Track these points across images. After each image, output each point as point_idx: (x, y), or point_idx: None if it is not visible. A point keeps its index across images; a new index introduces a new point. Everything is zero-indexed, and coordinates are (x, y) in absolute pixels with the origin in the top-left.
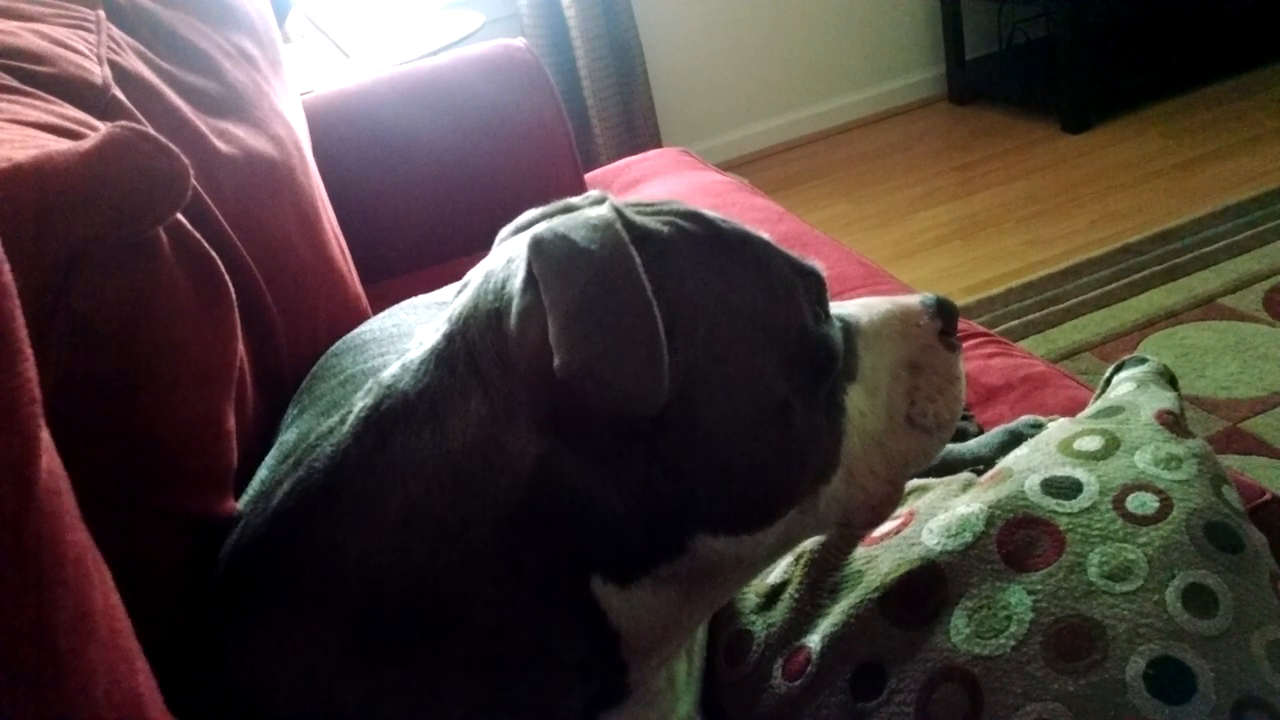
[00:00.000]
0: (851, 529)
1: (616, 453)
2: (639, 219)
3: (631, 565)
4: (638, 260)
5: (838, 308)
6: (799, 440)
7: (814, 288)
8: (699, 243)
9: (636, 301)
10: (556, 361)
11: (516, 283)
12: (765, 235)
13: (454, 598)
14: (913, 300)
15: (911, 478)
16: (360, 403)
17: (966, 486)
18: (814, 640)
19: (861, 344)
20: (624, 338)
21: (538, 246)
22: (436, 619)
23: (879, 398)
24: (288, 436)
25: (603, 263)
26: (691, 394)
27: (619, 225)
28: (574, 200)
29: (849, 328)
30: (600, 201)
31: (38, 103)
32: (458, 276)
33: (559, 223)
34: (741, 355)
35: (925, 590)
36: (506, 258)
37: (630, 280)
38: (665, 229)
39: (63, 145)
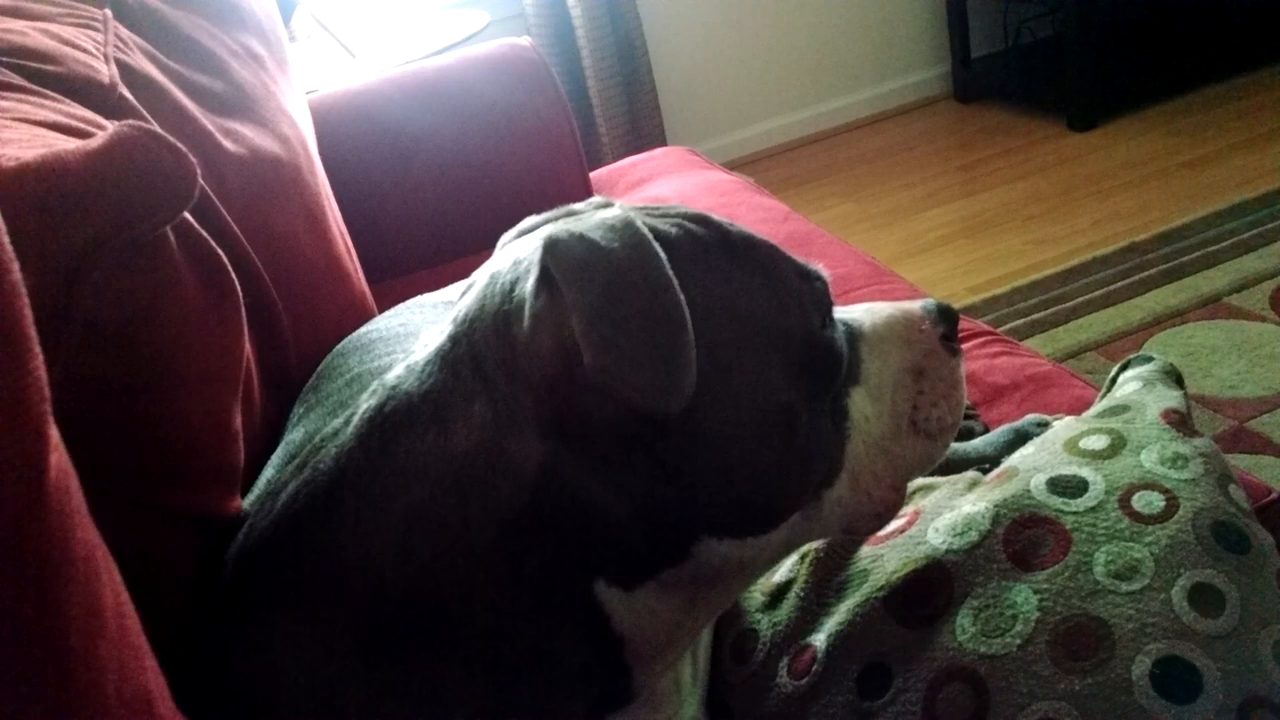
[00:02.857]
0: (855, 534)
1: (620, 457)
2: (648, 220)
3: (635, 569)
4: (663, 257)
5: (841, 312)
6: (803, 444)
7: (819, 292)
8: (706, 246)
9: (665, 299)
10: (586, 360)
11: (529, 285)
12: (771, 240)
13: (455, 600)
14: (914, 305)
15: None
16: (365, 404)
17: (972, 485)
18: (820, 639)
19: (865, 349)
20: (653, 336)
21: (553, 248)
22: (438, 621)
23: (883, 403)
24: (294, 436)
25: (625, 261)
26: (695, 399)
27: (640, 224)
28: (576, 206)
29: (853, 332)
30: (604, 206)
31: (46, 101)
32: (463, 275)
33: (573, 225)
34: (746, 360)
35: (931, 589)
36: (513, 259)
37: (658, 277)
38: (673, 231)
39: (70, 144)
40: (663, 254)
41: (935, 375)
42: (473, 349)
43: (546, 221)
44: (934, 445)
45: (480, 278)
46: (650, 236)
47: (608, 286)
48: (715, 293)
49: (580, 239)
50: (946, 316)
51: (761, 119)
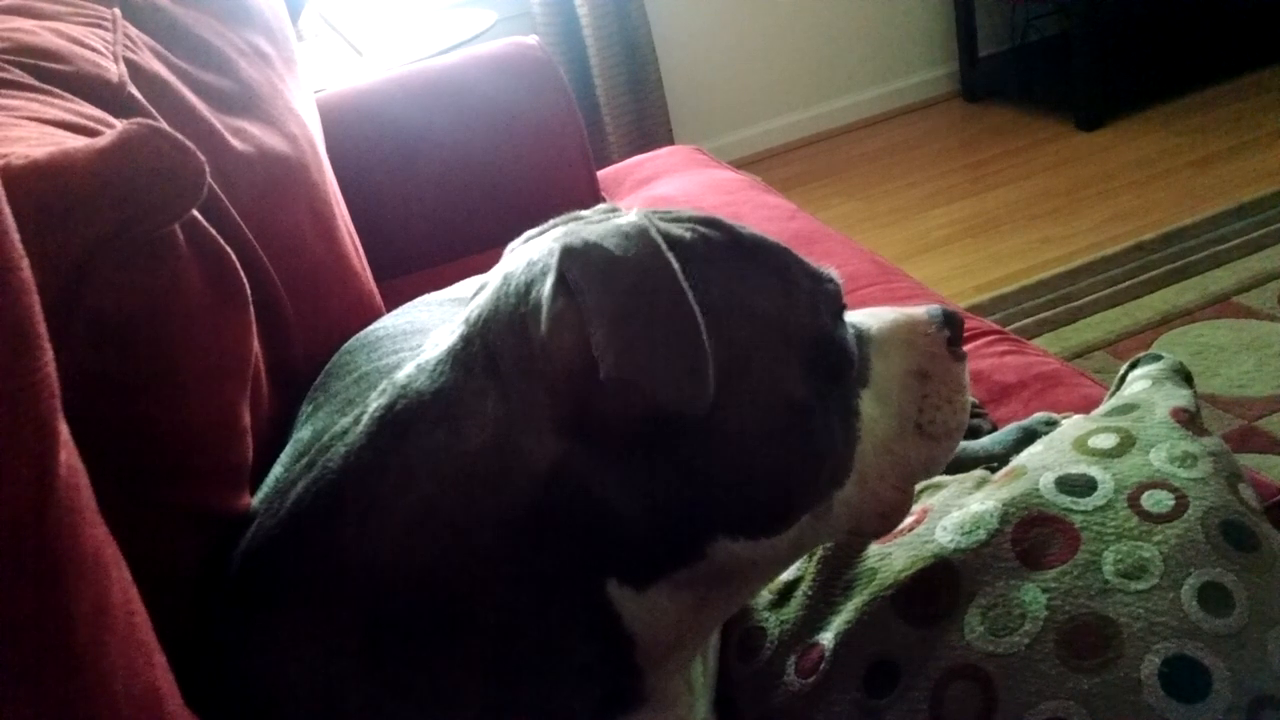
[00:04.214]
0: (862, 536)
1: (634, 456)
2: (661, 224)
3: (648, 569)
4: (676, 265)
5: (847, 316)
6: (815, 443)
7: (830, 293)
8: (720, 249)
9: (680, 306)
10: (603, 367)
11: (545, 288)
12: (780, 240)
13: (462, 600)
14: (919, 310)
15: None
16: (374, 403)
17: (980, 484)
18: (827, 637)
19: (872, 351)
20: (671, 342)
21: (570, 254)
22: (445, 621)
23: (890, 404)
24: (302, 434)
25: (641, 268)
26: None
27: (654, 232)
28: (583, 212)
29: (860, 335)
30: (611, 212)
31: (55, 100)
32: (470, 274)
33: (588, 231)
34: (762, 360)
35: (939, 588)
36: (526, 260)
37: (672, 285)
38: (686, 235)
39: (79, 142)
40: (675, 261)
41: (940, 379)
42: (487, 348)
43: (554, 227)
44: (938, 447)
45: (493, 278)
46: (663, 244)
47: (624, 293)
48: (729, 293)
49: (596, 246)
50: (951, 322)
51: (768, 118)
